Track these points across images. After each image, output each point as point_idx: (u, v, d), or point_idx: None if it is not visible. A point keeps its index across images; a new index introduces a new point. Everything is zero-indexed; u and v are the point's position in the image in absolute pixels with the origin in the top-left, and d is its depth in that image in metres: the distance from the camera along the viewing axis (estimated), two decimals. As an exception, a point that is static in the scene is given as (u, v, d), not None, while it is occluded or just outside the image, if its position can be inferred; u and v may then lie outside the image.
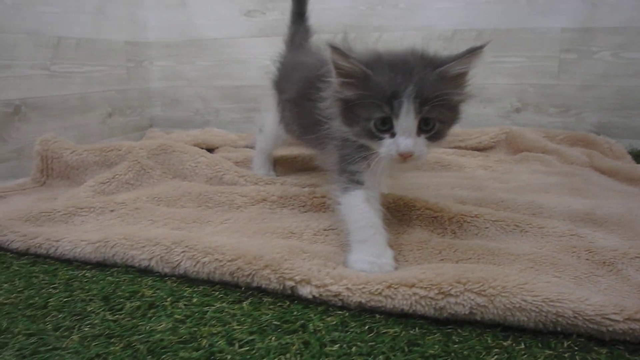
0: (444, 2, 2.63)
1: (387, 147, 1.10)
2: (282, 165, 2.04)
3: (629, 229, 1.34)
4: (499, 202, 1.50)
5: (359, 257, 1.13)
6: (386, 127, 1.10)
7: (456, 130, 2.44)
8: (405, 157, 1.09)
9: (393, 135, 1.10)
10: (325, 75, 1.21)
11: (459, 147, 2.39)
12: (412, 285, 0.97)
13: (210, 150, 2.36)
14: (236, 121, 3.04)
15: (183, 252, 1.15)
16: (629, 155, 2.20)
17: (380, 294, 0.98)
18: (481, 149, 2.40)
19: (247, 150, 2.28)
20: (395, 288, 0.98)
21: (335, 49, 1.09)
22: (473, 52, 1.10)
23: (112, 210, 1.49)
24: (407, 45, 1.19)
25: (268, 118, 1.85)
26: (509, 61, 2.59)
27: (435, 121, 1.11)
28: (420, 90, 1.06)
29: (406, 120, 1.08)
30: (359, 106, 1.12)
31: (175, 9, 3.04)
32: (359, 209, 1.19)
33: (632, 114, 2.46)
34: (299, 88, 1.47)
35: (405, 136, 1.08)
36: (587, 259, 1.15)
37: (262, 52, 2.89)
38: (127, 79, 2.89)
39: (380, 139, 1.11)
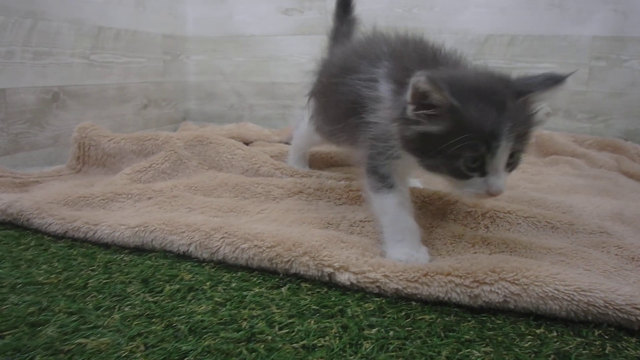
0: (478, 7, 2.67)
1: (475, 187, 1.04)
2: (316, 162, 2.05)
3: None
4: (530, 201, 1.52)
5: (396, 250, 1.15)
6: (476, 164, 1.02)
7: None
8: (493, 196, 1.05)
9: (483, 174, 1.03)
10: (359, 67, 1.24)
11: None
12: (448, 274, 1.00)
13: (245, 144, 2.40)
14: (270, 117, 3.08)
15: (222, 238, 1.18)
16: (656, 161, 2.21)
17: (416, 281, 1.00)
18: (511, 151, 2.39)
19: (282, 145, 2.31)
20: (431, 276, 1.00)
21: (431, 80, 0.97)
22: (557, 83, 1.05)
23: (149, 198, 1.53)
24: (472, 62, 1.16)
25: (303, 115, 1.83)
26: (540, 67, 2.61)
27: (520, 153, 1.06)
28: (515, 125, 0.99)
29: (501, 159, 1.01)
30: (440, 140, 1.01)
31: (214, 4, 3.11)
32: (392, 211, 1.20)
33: (659, 122, 2.48)
34: (329, 76, 1.45)
35: (497, 175, 1.03)
36: (616, 254, 1.17)
37: (298, 50, 2.94)
38: (163, 72, 2.94)
39: (468, 177, 1.04)
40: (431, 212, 1.40)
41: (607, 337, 0.89)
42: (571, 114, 2.63)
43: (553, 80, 1.04)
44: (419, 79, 0.98)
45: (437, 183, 1.59)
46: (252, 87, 3.12)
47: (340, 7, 1.80)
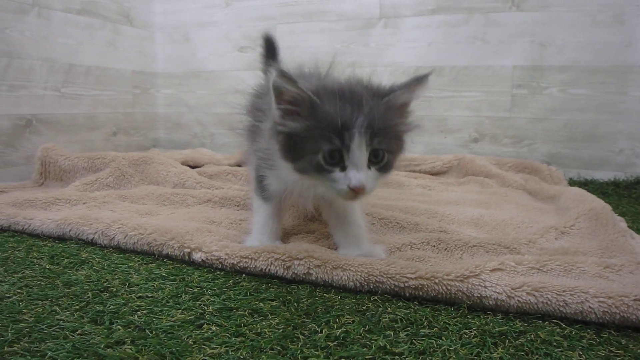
0: (408, 42, 2.96)
1: (337, 181, 1.10)
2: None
3: (500, 230, 1.61)
4: (403, 208, 1.77)
5: (253, 238, 1.40)
6: (336, 160, 1.08)
7: (414, 155, 2.70)
8: (357, 191, 1.09)
9: (343, 168, 1.09)
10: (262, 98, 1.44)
11: (414, 171, 2.66)
12: (272, 252, 1.26)
13: (198, 166, 2.70)
14: (228, 145, 3.38)
15: (118, 227, 1.47)
16: (565, 181, 2.44)
17: (247, 257, 1.26)
18: (434, 173, 2.66)
19: (226, 167, 2.58)
20: (259, 253, 1.26)
21: (281, 73, 1.05)
22: (418, 81, 1.13)
23: (84, 203, 1.81)
24: (355, 77, 1.23)
25: None
26: (467, 95, 2.88)
27: (385, 152, 1.11)
28: (371, 121, 1.06)
29: (358, 152, 1.07)
30: (304, 138, 1.10)
31: (180, 44, 3.47)
32: (264, 214, 1.41)
33: (579, 146, 2.71)
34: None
35: (356, 170, 1.08)
36: (433, 246, 1.41)
37: (252, 84, 3.22)
38: (132, 104, 3.27)
39: (330, 172, 1.09)
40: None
41: (380, 301, 1.12)
42: (497, 139, 2.86)
43: (414, 80, 1.14)
44: (273, 76, 1.05)
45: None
46: (213, 118, 3.46)
47: (267, 53, 2.11)
